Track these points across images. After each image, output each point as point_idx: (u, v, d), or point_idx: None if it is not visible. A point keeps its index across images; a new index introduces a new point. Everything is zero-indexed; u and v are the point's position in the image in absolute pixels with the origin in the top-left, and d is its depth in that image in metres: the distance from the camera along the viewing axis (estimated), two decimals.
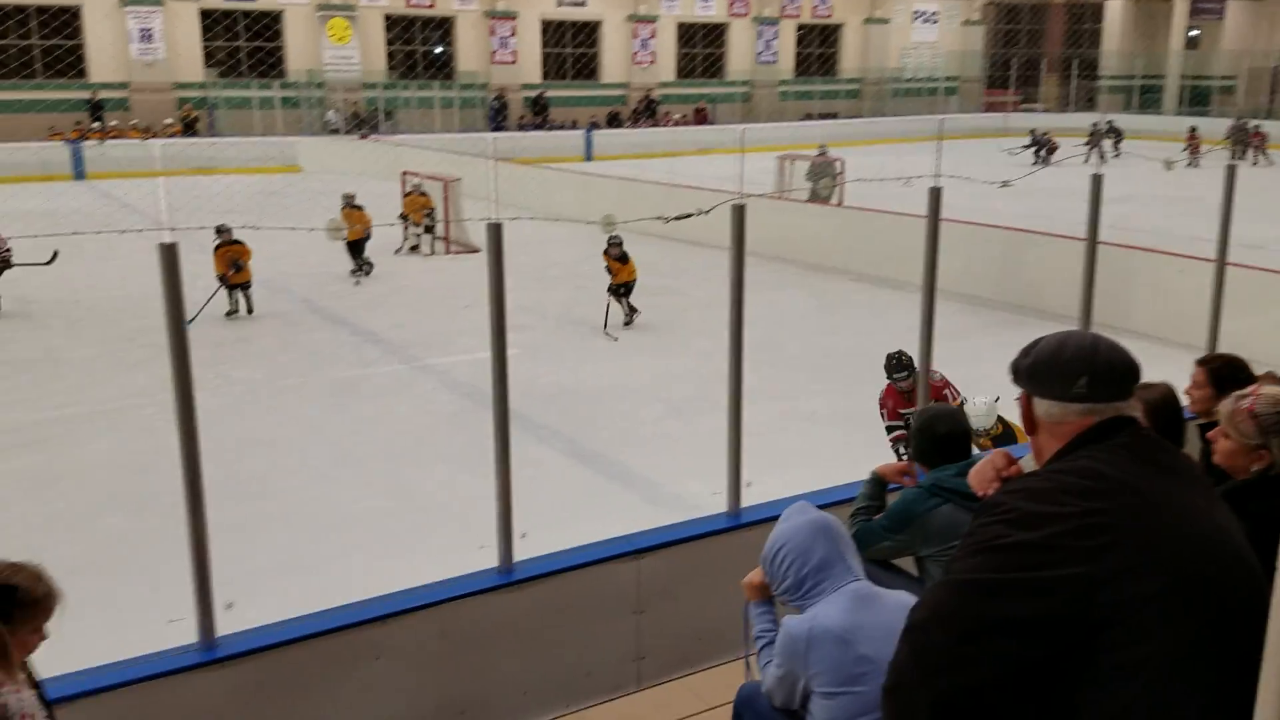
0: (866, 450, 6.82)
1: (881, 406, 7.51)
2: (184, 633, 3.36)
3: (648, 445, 8.61)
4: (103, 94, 27.88)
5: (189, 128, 28.35)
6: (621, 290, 12.38)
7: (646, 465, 8.15)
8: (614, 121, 35.47)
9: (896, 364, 7.30)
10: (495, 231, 3.68)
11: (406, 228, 16.71)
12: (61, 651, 2.83)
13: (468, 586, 3.73)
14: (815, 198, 19.41)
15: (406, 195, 17.06)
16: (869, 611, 2.43)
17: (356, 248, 14.72)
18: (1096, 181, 5.36)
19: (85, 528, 6.89)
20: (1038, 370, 1.79)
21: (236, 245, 12.15)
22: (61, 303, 12.88)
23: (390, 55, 32.88)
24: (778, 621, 2.75)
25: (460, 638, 3.68)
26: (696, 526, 4.36)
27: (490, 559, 3.83)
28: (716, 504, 4.46)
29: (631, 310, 12.48)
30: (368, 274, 14.91)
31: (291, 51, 30.89)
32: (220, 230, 12.06)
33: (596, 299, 14.01)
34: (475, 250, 16.57)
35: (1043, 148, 28.58)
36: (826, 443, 8.30)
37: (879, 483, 3.38)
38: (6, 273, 12.63)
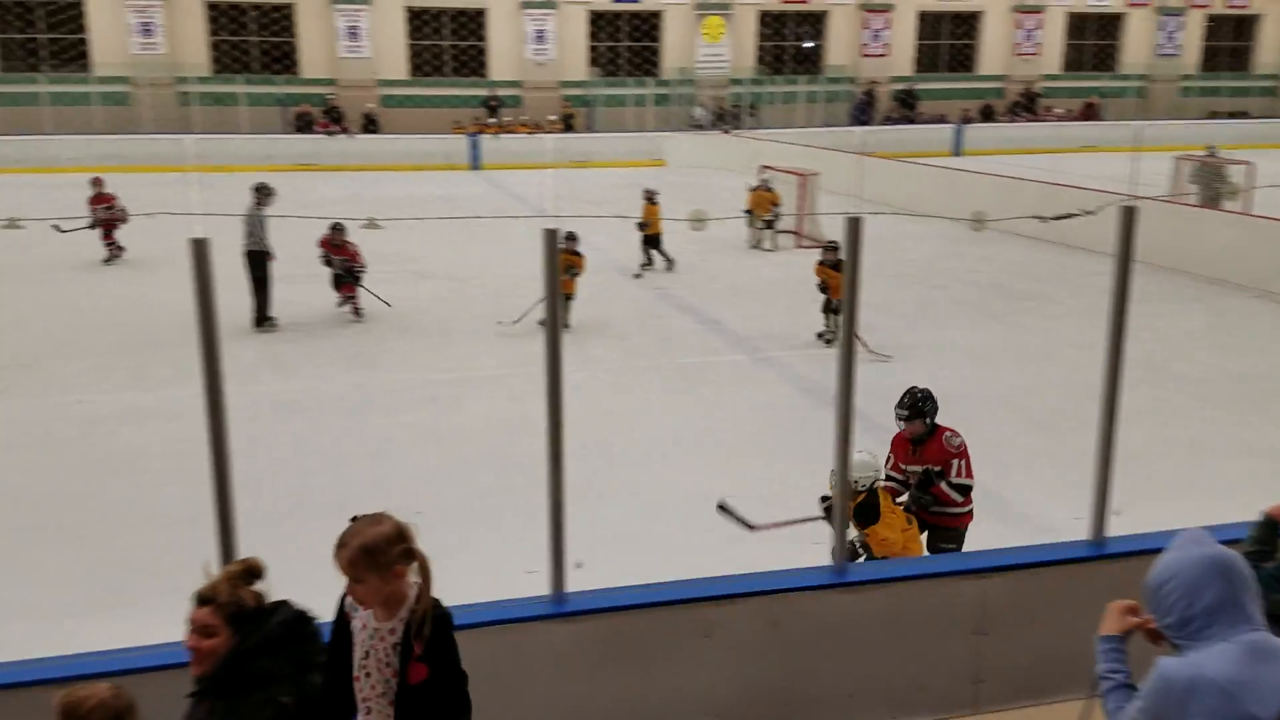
0: (1261, 485, 6.02)
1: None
2: (538, 584, 3.63)
3: (1001, 459, 8.12)
4: (499, 92, 30.68)
5: (567, 124, 30.50)
6: (834, 307, 10.95)
7: (999, 480, 7.69)
8: (987, 115, 33.81)
9: (901, 400, 5.65)
10: (854, 226, 3.61)
11: (751, 223, 16.89)
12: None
13: (802, 580, 3.72)
14: (1206, 202, 17.38)
15: (753, 191, 17.23)
16: (1264, 667, 2.12)
17: (652, 241, 15.09)
18: None
19: (461, 480, 7.63)
20: None
21: (574, 255, 11.87)
22: (455, 280, 14.32)
23: (760, 51, 33.44)
24: (1128, 662, 2.49)
25: (791, 630, 3.67)
26: (1053, 551, 4.07)
27: (822, 556, 3.79)
28: (1077, 530, 4.12)
29: (833, 332, 10.96)
30: (668, 268, 15.11)
31: (667, 50, 32.30)
32: (568, 237, 11.86)
33: (953, 300, 13.47)
34: None
35: None
36: (1212, 474, 7.42)
37: (1270, 525, 2.96)
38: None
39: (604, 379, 10.04)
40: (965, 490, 5.45)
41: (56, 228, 13.43)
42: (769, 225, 16.83)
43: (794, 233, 17.23)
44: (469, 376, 10.25)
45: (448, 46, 30.88)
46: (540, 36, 30.82)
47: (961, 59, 35.37)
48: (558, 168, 25.36)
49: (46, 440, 8.45)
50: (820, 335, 11.25)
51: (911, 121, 32.58)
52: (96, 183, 15.09)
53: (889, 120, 32.76)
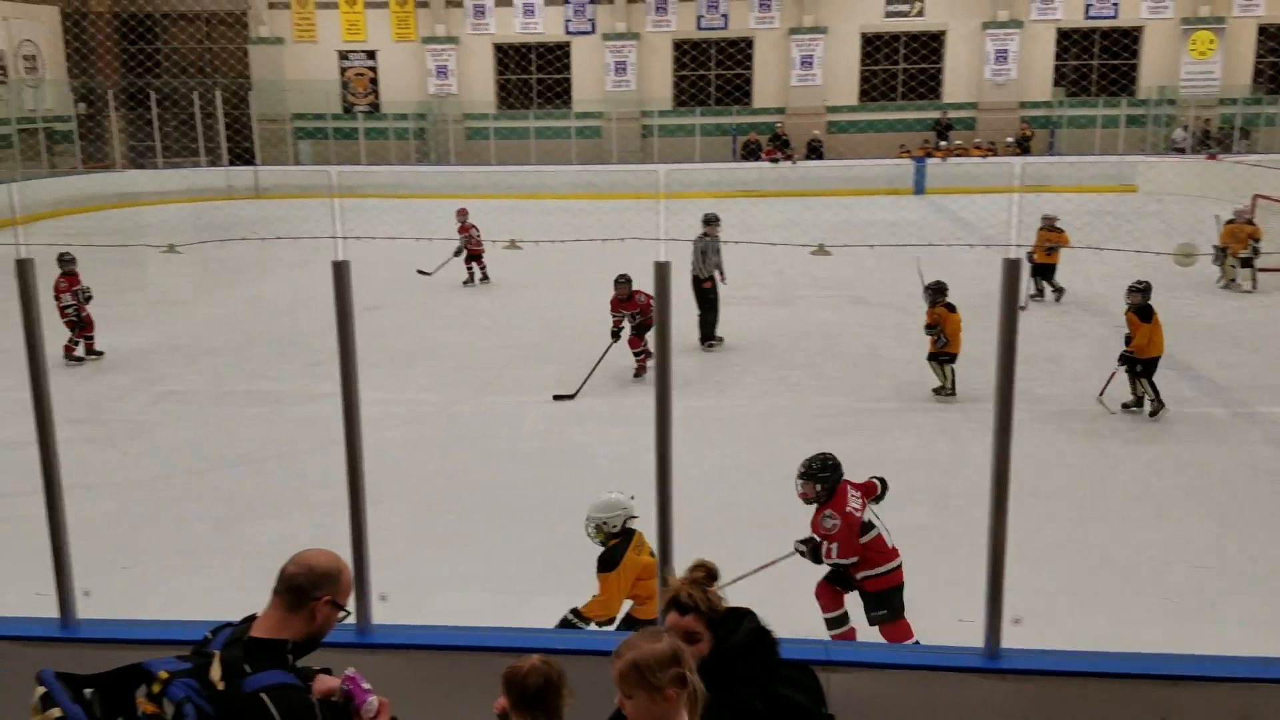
0: None
1: None
2: (969, 634, 3.40)
3: None
4: (951, 114, 29.84)
5: (1024, 146, 28.90)
6: (1139, 367, 9.41)
7: None
8: None
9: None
10: None
11: (1223, 259, 14.97)
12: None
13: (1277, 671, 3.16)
14: None
15: (1228, 224, 15.27)
16: None
17: (1045, 271, 14.25)
18: None
19: (889, 512, 7.41)
20: None
21: (950, 310, 10.29)
22: (889, 307, 14.00)
23: (1258, 68, 29.49)
24: None
25: None
26: None
27: None
28: None
29: (1156, 398, 9.40)
30: (1057, 300, 14.29)
31: (1146, 68, 29.53)
32: (935, 289, 10.47)
33: None
34: None
35: None
36: None
37: None
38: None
39: (1054, 421, 9.34)
40: (840, 569, 5.58)
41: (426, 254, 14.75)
42: (1247, 263, 14.86)
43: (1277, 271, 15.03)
44: (899, 406, 10.03)
45: (901, 70, 30.64)
46: (1002, 56, 29.57)
47: None
48: (1011, 192, 24.13)
49: (513, 433, 9.52)
50: (1127, 406, 9.62)
51: None
52: (462, 213, 16.22)
53: None
